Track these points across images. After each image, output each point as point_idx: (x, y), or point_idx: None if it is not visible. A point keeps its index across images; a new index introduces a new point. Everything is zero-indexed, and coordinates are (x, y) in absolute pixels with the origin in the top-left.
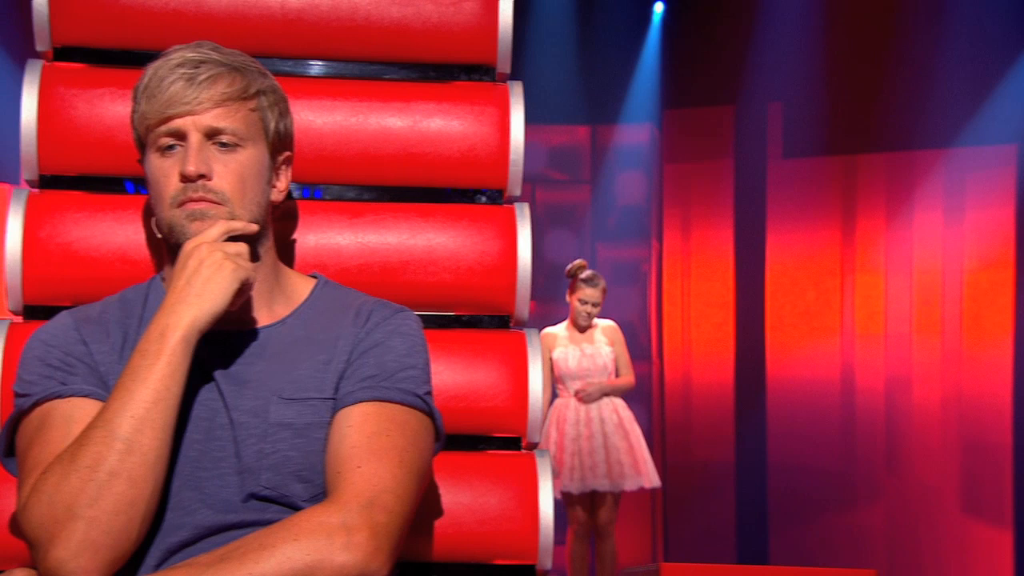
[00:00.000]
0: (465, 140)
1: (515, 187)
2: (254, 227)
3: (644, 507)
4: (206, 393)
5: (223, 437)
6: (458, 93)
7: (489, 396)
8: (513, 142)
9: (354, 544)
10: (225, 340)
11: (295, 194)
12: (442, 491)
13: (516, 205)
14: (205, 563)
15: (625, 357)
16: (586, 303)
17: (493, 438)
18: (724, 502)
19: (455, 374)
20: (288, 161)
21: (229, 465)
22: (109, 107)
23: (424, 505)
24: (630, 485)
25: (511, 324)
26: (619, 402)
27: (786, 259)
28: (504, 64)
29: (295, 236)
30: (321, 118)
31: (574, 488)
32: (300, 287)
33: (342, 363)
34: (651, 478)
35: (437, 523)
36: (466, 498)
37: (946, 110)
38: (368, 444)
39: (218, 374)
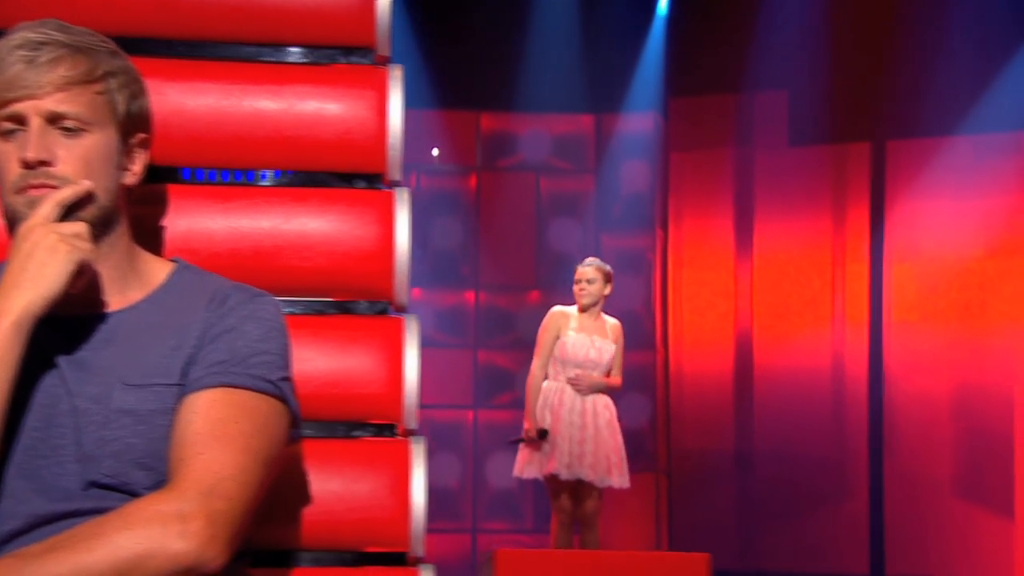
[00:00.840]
0: (341, 123)
1: (395, 171)
2: (85, 185)
3: (649, 495)
4: (49, 380)
5: (64, 424)
6: (335, 76)
7: (364, 382)
8: (391, 126)
9: (189, 532)
10: (74, 325)
11: (176, 178)
12: (311, 478)
13: (396, 190)
14: (34, 553)
15: (620, 360)
16: (579, 281)
17: (369, 425)
18: (727, 491)
19: (329, 360)
20: (144, 143)
21: (69, 453)
22: None
23: (292, 492)
24: (614, 483)
25: (391, 310)
26: (608, 400)
27: (792, 247)
28: (384, 47)
29: (164, 221)
30: (192, 101)
31: (563, 474)
32: (157, 271)
33: (191, 348)
34: (624, 480)
35: (305, 510)
36: (336, 485)
37: (954, 96)
38: (212, 431)
39: (62, 360)
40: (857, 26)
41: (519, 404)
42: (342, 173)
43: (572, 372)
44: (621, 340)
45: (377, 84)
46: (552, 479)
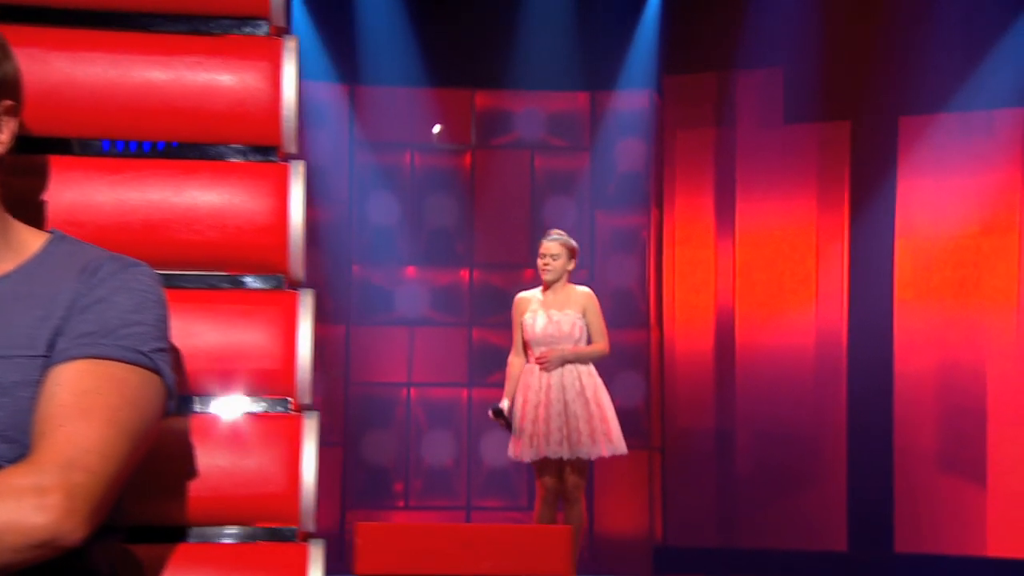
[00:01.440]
0: (233, 95)
1: (289, 144)
2: None
3: (642, 473)
4: None
5: None
6: (227, 47)
7: (257, 357)
8: (285, 97)
9: (46, 506)
10: None
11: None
12: (200, 453)
13: (291, 163)
14: None
15: (599, 325)
16: (543, 256)
17: (262, 400)
18: (719, 469)
19: (220, 335)
20: (11, 111)
21: None
22: None
23: (179, 467)
24: (592, 453)
25: (286, 284)
26: (584, 369)
27: (787, 224)
28: (278, 17)
29: (48, 193)
30: (79, 71)
31: (526, 456)
32: (31, 242)
33: (58, 319)
34: (615, 447)
35: (192, 485)
36: (224, 460)
37: (947, 73)
38: (77, 403)
39: None
40: (851, 2)
41: None
42: (237, 146)
43: (538, 351)
44: (595, 306)
45: (271, 55)
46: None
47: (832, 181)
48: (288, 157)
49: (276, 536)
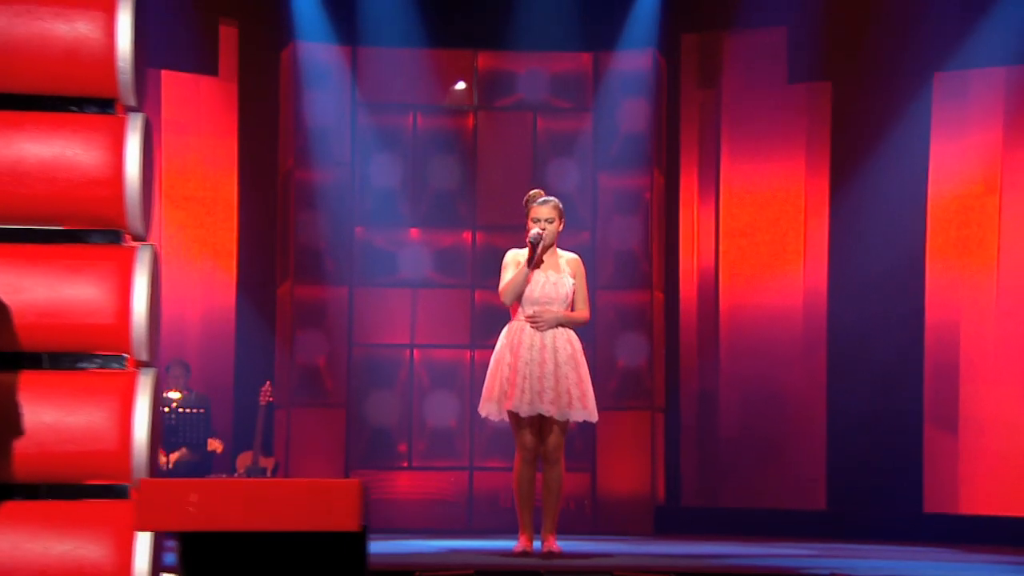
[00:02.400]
0: (66, 44)
1: (127, 96)
2: None
3: (644, 433)
4: None
5: None
6: None
7: (90, 313)
8: (120, 48)
9: None
10: None
11: None
12: (27, 410)
13: (129, 115)
14: None
15: (584, 292)
16: (538, 220)
17: (96, 356)
18: (722, 430)
19: (50, 290)
20: None
21: None
22: None
23: (3, 424)
24: (576, 416)
25: (124, 240)
26: (572, 334)
27: (789, 185)
28: None
29: None
30: None
31: (523, 411)
32: None
33: None
34: (593, 413)
35: (18, 443)
36: (50, 417)
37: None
38: None
39: None
40: None
41: None
42: (72, 97)
43: (531, 310)
44: (582, 273)
45: (106, 4)
46: (513, 416)
47: (836, 139)
48: (130, 110)
49: (108, 493)
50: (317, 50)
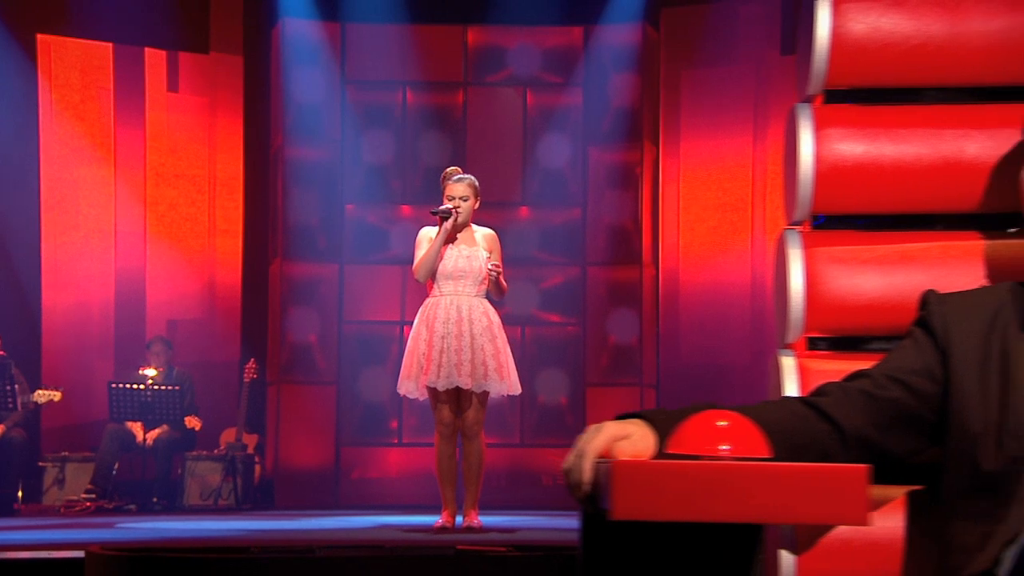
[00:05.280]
0: None
1: None
2: None
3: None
4: None
5: None
6: None
7: None
8: None
9: None
10: None
11: None
12: None
13: None
14: None
15: (500, 266)
16: (453, 198)
17: None
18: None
19: None
20: None
21: None
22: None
23: None
24: (494, 389)
25: None
26: (488, 306)
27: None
28: None
29: None
30: None
31: (440, 384)
32: None
33: None
34: (514, 386)
35: None
36: None
37: None
38: None
39: None
40: None
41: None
42: None
43: (447, 285)
44: (498, 248)
45: None
46: (432, 391)
47: None
48: None
49: None
50: (305, 27)
